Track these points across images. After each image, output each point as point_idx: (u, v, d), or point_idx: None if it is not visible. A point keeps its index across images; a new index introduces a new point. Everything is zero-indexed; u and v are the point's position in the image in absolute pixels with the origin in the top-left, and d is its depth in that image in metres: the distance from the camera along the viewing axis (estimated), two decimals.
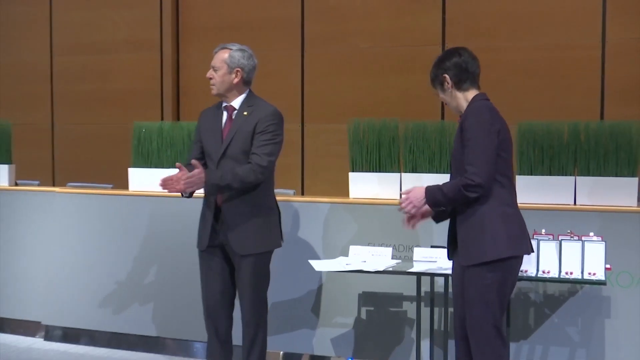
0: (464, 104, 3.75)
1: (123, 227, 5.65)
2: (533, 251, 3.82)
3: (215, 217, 4.34)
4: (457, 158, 3.69)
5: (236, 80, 4.36)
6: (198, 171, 4.13)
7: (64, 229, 5.87)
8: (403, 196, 3.76)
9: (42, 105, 8.28)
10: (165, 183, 4.19)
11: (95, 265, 5.71)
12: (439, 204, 3.69)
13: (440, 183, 3.68)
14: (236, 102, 4.39)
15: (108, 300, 5.63)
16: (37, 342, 5.82)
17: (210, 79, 4.39)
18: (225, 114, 4.42)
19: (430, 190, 3.67)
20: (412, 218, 3.86)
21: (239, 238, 4.27)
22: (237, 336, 4.55)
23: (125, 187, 5.85)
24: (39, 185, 6.39)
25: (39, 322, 5.91)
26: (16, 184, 6.31)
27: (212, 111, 4.52)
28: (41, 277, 5.92)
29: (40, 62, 8.27)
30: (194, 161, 4.20)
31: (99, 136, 8.05)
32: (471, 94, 3.76)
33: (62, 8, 8.14)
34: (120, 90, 7.94)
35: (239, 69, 4.36)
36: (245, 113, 4.33)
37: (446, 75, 3.76)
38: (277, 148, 4.32)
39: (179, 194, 4.32)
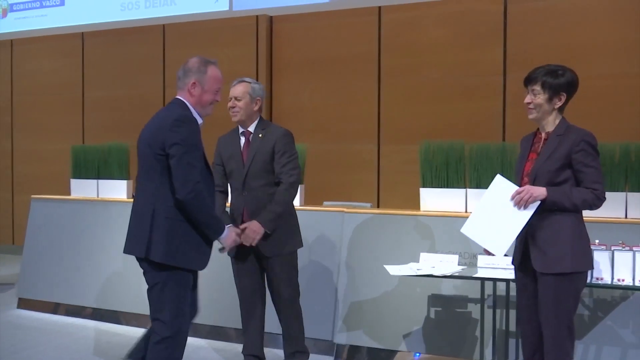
0: (551, 121, 3.57)
1: None
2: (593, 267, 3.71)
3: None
4: (550, 170, 3.46)
5: (256, 108, 4.44)
6: (250, 227, 4.18)
7: None
8: (520, 188, 3.48)
9: None
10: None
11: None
12: (556, 203, 3.41)
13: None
14: (252, 127, 4.46)
15: (209, 297, 5.66)
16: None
17: (233, 107, 4.44)
18: (243, 138, 4.48)
19: (552, 189, 3.43)
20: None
21: (265, 242, 4.30)
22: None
23: None
24: None
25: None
26: (133, 197, 6.41)
27: (230, 136, 4.58)
28: None
29: (154, 94, 8.45)
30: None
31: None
32: (560, 115, 3.59)
33: (173, 47, 8.33)
34: (223, 117, 7.96)
35: (259, 98, 4.45)
36: (260, 135, 4.40)
37: (564, 95, 3.56)
38: (297, 162, 4.41)
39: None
